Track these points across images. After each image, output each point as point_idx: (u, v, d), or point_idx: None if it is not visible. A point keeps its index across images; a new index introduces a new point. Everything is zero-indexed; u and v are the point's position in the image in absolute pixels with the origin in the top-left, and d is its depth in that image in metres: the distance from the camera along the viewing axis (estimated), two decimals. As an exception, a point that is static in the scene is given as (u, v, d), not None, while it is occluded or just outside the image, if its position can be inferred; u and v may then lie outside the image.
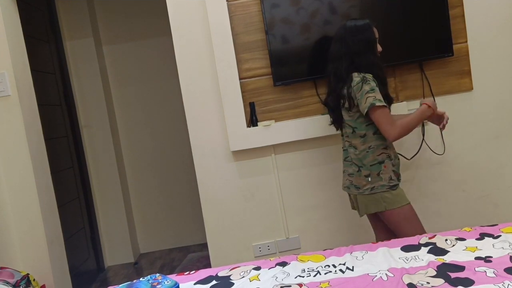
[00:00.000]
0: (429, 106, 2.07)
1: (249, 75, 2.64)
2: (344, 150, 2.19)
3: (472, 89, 2.67)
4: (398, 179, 2.10)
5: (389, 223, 2.08)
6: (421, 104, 2.10)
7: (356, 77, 1.99)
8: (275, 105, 2.65)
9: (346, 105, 2.05)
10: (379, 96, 1.96)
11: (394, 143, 2.17)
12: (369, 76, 1.98)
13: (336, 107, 2.12)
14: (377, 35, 2.11)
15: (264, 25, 2.54)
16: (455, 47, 2.60)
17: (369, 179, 2.05)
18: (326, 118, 2.57)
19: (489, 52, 2.66)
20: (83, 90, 3.78)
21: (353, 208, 2.24)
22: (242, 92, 2.63)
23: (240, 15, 2.61)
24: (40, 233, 2.65)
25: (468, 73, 2.66)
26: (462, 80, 2.66)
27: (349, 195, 2.23)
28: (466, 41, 2.64)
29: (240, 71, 2.62)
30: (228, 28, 2.57)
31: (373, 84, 1.96)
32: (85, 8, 3.74)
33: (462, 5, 2.62)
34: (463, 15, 2.62)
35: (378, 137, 2.05)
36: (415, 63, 2.61)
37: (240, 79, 2.62)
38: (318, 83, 2.63)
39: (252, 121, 2.62)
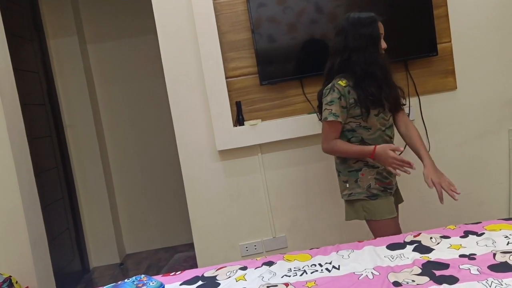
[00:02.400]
0: (372, 156, 1.92)
1: (236, 74, 2.63)
2: None
3: (456, 88, 2.70)
4: (383, 189, 2.00)
5: (372, 230, 2.04)
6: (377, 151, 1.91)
7: (333, 82, 1.94)
8: (262, 104, 2.65)
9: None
10: (335, 110, 1.91)
11: None
12: (340, 84, 1.92)
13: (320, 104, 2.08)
14: (382, 31, 1.98)
15: (251, 24, 2.54)
16: (439, 46, 2.62)
17: (347, 185, 2.04)
18: (313, 117, 2.58)
19: (472, 52, 2.69)
20: (67, 89, 3.73)
21: None
22: (229, 91, 2.62)
23: (226, 14, 2.60)
24: (23, 234, 2.61)
25: (452, 72, 2.69)
26: (446, 79, 2.69)
27: None
28: (450, 41, 2.67)
29: (226, 70, 2.61)
30: (214, 26, 2.56)
31: (335, 95, 1.91)
32: (69, 5, 3.69)
33: (446, 5, 2.64)
34: (447, 15, 2.65)
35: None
36: (400, 62, 2.63)
37: (226, 78, 2.61)
38: (304, 83, 2.63)
39: (239, 120, 2.62)
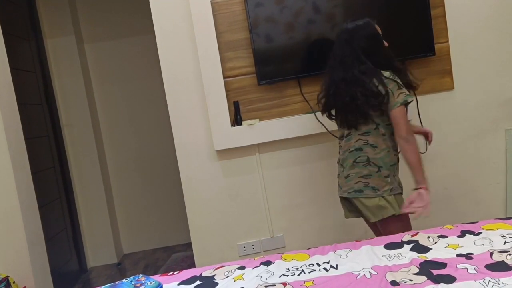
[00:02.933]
0: (425, 190, 1.94)
1: (233, 74, 2.63)
2: (353, 151, 2.03)
3: (453, 88, 2.71)
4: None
5: (387, 229, 2.01)
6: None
7: (385, 71, 1.95)
8: (260, 104, 2.65)
9: (375, 101, 1.93)
10: (408, 92, 1.95)
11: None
12: (390, 73, 1.96)
13: (348, 107, 1.99)
14: (380, 31, 2.04)
15: (248, 23, 2.54)
16: (436, 46, 2.63)
17: (388, 179, 2.00)
18: (310, 117, 2.58)
19: (470, 52, 2.70)
20: (64, 88, 3.72)
21: (349, 216, 2.16)
22: (226, 91, 2.62)
23: (224, 13, 2.60)
24: (20, 234, 2.60)
25: (450, 72, 2.69)
26: (444, 79, 2.70)
27: (347, 202, 2.12)
28: (448, 41, 2.68)
29: (224, 69, 2.61)
30: (212, 26, 2.55)
31: (399, 80, 1.94)
32: (66, 5, 3.68)
33: (443, 5, 2.65)
34: (445, 15, 2.66)
35: (394, 138, 2.01)
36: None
37: (224, 78, 2.61)
38: (302, 82, 2.63)
39: (237, 120, 2.62)
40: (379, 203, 1.99)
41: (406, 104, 1.95)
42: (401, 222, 2.01)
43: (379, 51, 2.00)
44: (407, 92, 1.95)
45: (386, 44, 2.05)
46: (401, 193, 2.06)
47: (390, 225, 2.01)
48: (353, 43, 1.98)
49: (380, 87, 1.92)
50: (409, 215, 2.01)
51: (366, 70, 1.96)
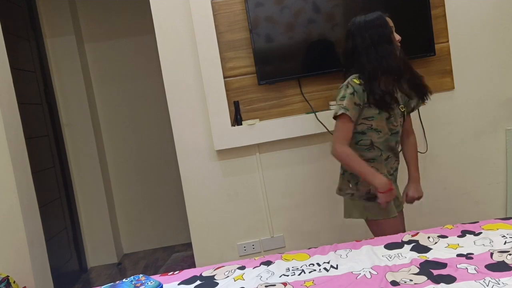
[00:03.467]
0: (378, 190, 1.92)
1: (234, 73, 2.63)
2: None
3: (454, 88, 2.71)
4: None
5: (371, 231, 2.05)
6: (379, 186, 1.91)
7: (348, 80, 1.93)
8: (260, 104, 2.65)
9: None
10: (346, 104, 1.88)
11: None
12: (354, 81, 1.90)
13: None
14: (391, 24, 1.97)
15: (248, 23, 2.53)
16: (436, 46, 2.63)
17: (350, 185, 2.04)
18: (310, 117, 2.58)
19: (470, 52, 2.70)
20: (64, 88, 3.72)
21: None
22: (226, 90, 2.62)
23: (224, 13, 2.60)
24: (20, 234, 2.60)
25: (450, 72, 2.69)
26: (444, 79, 2.70)
27: None
28: (448, 41, 2.68)
29: (224, 69, 2.61)
30: (212, 26, 2.55)
31: (348, 91, 1.89)
32: (66, 4, 3.68)
33: (443, 5, 2.65)
34: (445, 15, 2.65)
35: (361, 148, 1.98)
36: (398, 63, 2.63)
37: (224, 77, 2.61)
38: (302, 82, 2.63)
39: (237, 120, 2.62)
40: (345, 203, 2.09)
41: (339, 115, 1.89)
42: (377, 227, 2.00)
43: (382, 47, 1.90)
44: (343, 104, 1.87)
45: (398, 37, 1.97)
46: (371, 200, 1.99)
47: (370, 227, 2.05)
48: (355, 38, 1.95)
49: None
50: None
51: (347, 72, 2.00)
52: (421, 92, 2.02)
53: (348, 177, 2.04)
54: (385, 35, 1.92)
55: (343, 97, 1.90)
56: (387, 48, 1.90)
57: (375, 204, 1.97)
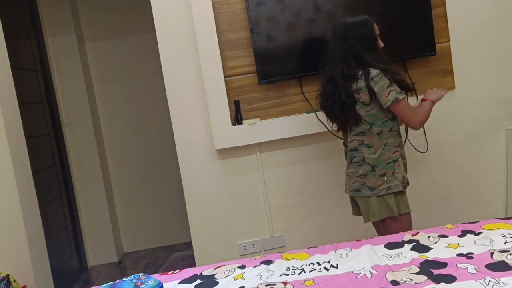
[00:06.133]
0: (433, 102, 2.08)
1: (234, 73, 2.63)
2: (350, 151, 2.07)
3: (454, 88, 2.71)
4: (408, 181, 2.07)
5: (387, 229, 2.01)
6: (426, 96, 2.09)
7: (374, 70, 1.93)
8: (260, 103, 2.65)
9: (363, 99, 1.96)
10: (399, 89, 1.95)
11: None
12: (380, 73, 1.94)
13: (344, 107, 1.99)
14: (377, 31, 2.04)
15: (249, 23, 2.53)
16: (437, 46, 2.63)
17: (385, 178, 1.99)
18: (311, 116, 2.58)
19: (471, 52, 2.70)
20: (65, 87, 3.72)
21: (355, 213, 2.18)
22: (227, 90, 2.61)
23: (225, 12, 2.60)
24: (20, 233, 2.60)
25: (450, 72, 2.69)
26: (445, 79, 2.69)
27: (353, 200, 2.16)
28: (449, 41, 2.67)
29: (224, 69, 2.61)
30: (212, 25, 2.55)
31: (388, 80, 1.93)
32: (67, 3, 3.68)
33: (444, 4, 2.65)
34: (446, 15, 2.65)
35: (393, 135, 2.02)
36: (399, 62, 2.62)
37: (224, 77, 2.61)
38: (302, 82, 2.63)
39: (237, 119, 2.62)
40: (377, 204, 2.01)
41: (400, 100, 1.94)
42: (400, 223, 2.00)
43: (370, 53, 1.97)
44: (397, 90, 1.94)
45: (381, 44, 2.05)
46: (403, 191, 2.03)
47: (390, 226, 2.02)
48: (345, 40, 1.98)
49: (362, 91, 1.95)
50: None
51: (347, 72, 1.98)
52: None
53: (381, 171, 1.99)
54: (371, 39, 1.99)
55: (392, 84, 1.93)
56: (374, 55, 1.99)
57: (401, 199, 2.01)
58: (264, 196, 2.70)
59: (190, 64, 2.62)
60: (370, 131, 2.00)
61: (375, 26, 2.03)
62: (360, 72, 1.96)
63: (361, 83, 1.95)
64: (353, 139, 2.05)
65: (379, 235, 2.16)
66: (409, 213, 2.04)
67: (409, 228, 2.00)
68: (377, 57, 1.98)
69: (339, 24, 2.05)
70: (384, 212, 2.00)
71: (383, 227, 2.06)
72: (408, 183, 2.07)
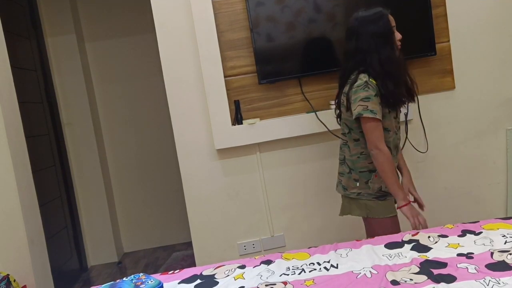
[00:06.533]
0: (407, 206, 1.94)
1: (234, 73, 2.63)
2: (340, 148, 2.09)
3: (454, 87, 2.71)
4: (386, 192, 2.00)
5: (368, 229, 2.05)
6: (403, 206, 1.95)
7: (361, 79, 1.87)
8: (260, 103, 2.65)
9: (346, 104, 1.96)
10: (372, 107, 1.84)
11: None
12: (372, 82, 1.87)
13: (338, 103, 2.04)
14: (393, 23, 1.94)
15: (249, 23, 2.53)
16: (437, 46, 2.63)
17: (357, 184, 2.00)
18: (311, 116, 2.58)
19: (471, 52, 2.70)
20: (65, 87, 3.72)
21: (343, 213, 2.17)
22: (227, 90, 2.61)
23: (225, 12, 2.60)
24: (20, 232, 2.60)
25: (451, 72, 2.69)
26: (445, 79, 2.69)
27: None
28: (449, 41, 2.67)
29: (224, 69, 2.61)
30: (212, 25, 2.55)
31: (371, 92, 1.84)
32: (67, 3, 3.68)
33: (444, 4, 2.65)
34: (446, 15, 2.65)
35: None
36: (399, 62, 2.63)
37: (225, 77, 2.61)
38: (302, 82, 2.63)
39: (237, 119, 2.62)
40: (346, 203, 2.08)
41: (366, 118, 1.85)
42: (379, 225, 1.99)
43: (382, 50, 1.89)
44: (368, 106, 1.83)
45: (399, 36, 1.96)
46: (380, 199, 1.98)
47: (368, 226, 2.06)
48: (359, 35, 1.91)
49: (345, 95, 1.96)
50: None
51: (346, 72, 1.98)
52: (410, 94, 2.02)
53: (356, 176, 2.00)
54: (386, 34, 1.90)
55: (368, 98, 1.84)
56: (386, 52, 1.89)
57: (382, 203, 1.98)
58: (264, 196, 2.70)
59: (190, 64, 2.62)
60: (349, 135, 2.01)
61: (390, 18, 1.94)
62: (353, 76, 1.92)
63: (347, 88, 1.95)
64: (341, 137, 2.09)
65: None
66: (392, 217, 1.99)
67: (392, 231, 1.93)
68: (391, 55, 1.89)
69: (352, 19, 1.97)
70: (353, 211, 2.05)
71: (365, 223, 2.09)
72: (386, 194, 1.99)
